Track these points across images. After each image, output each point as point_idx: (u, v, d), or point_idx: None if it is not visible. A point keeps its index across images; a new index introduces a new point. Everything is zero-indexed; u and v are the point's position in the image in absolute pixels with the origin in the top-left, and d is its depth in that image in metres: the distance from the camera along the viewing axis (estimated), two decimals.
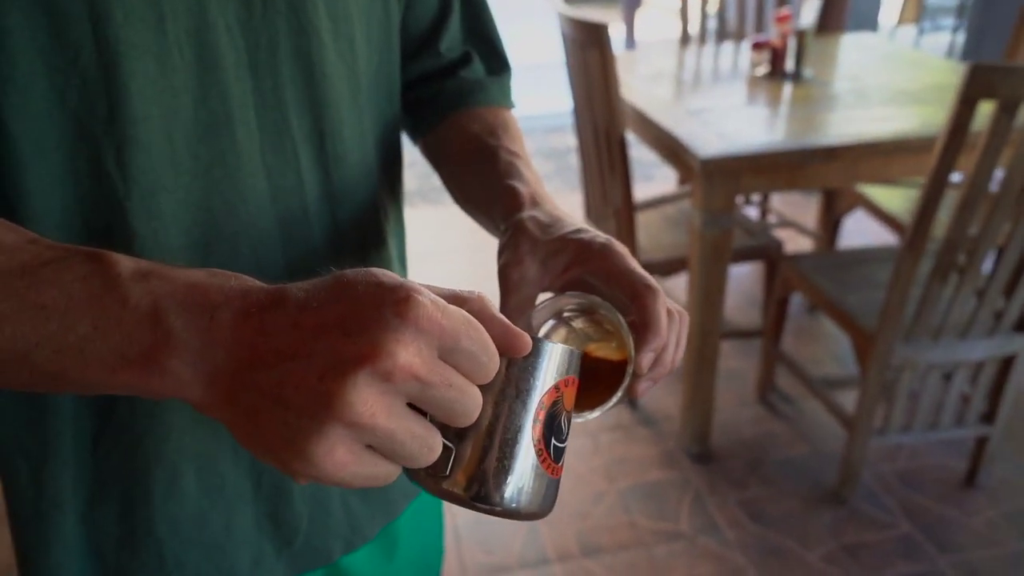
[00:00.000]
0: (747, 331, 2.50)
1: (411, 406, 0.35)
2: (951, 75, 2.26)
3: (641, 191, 3.00)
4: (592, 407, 0.48)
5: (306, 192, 0.57)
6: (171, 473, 0.56)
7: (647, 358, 0.48)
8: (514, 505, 0.39)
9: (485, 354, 0.36)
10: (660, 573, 1.81)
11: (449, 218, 3.75)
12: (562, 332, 0.54)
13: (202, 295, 0.36)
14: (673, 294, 2.49)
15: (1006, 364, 1.82)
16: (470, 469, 0.39)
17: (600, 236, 0.53)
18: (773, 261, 2.23)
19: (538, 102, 5.21)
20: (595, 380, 0.51)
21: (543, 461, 0.41)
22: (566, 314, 0.54)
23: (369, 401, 0.32)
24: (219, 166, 0.52)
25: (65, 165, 0.48)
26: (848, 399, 2.14)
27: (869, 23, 4.96)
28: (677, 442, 2.21)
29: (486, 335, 0.36)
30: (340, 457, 0.33)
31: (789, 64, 2.28)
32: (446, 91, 0.72)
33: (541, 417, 0.40)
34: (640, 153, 4.17)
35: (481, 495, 0.39)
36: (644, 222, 2.35)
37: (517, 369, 0.40)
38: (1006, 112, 1.37)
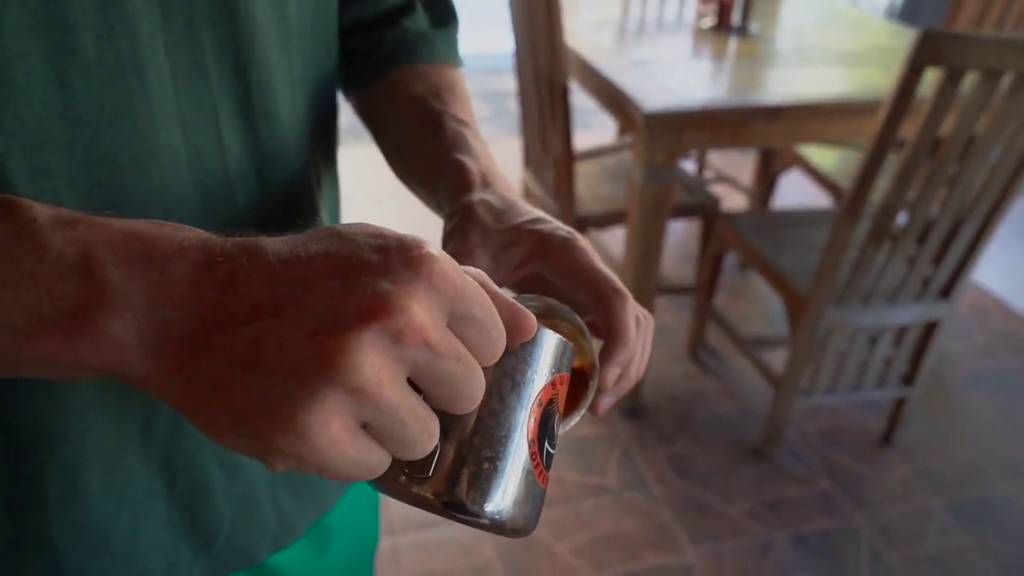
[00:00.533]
0: (681, 287, 2.50)
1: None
2: (893, 37, 2.26)
3: (580, 140, 2.95)
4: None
5: (227, 151, 0.49)
6: (69, 476, 0.48)
7: (612, 372, 0.44)
8: (502, 516, 0.34)
9: (496, 329, 0.31)
10: (586, 527, 1.82)
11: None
12: None
13: (147, 244, 0.29)
14: (609, 247, 2.46)
15: (929, 329, 1.86)
16: (456, 470, 0.33)
17: (561, 229, 0.48)
18: (710, 218, 2.22)
19: (478, 41, 5.06)
20: None
21: (536, 466, 0.35)
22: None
23: (377, 365, 0.27)
24: (127, 118, 0.43)
25: None
26: (777, 358, 2.17)
27: None
28: None
29: (494, 307, 0.31)
30: (336, 431, 0.27)
31: (736, 18, 2.24)
32: (386, 42, 0.64)
33: (537, 415, 0.35)
34: (579, 100, 4.10)
35: (466, 502, 0.33)
36: (583, 172, 2.30)
37: (515, 357, 0.35)
38: (951, 80, 1.36)
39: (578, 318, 0.45)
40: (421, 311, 0.28)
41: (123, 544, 0.52)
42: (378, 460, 0.29)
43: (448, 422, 0.33)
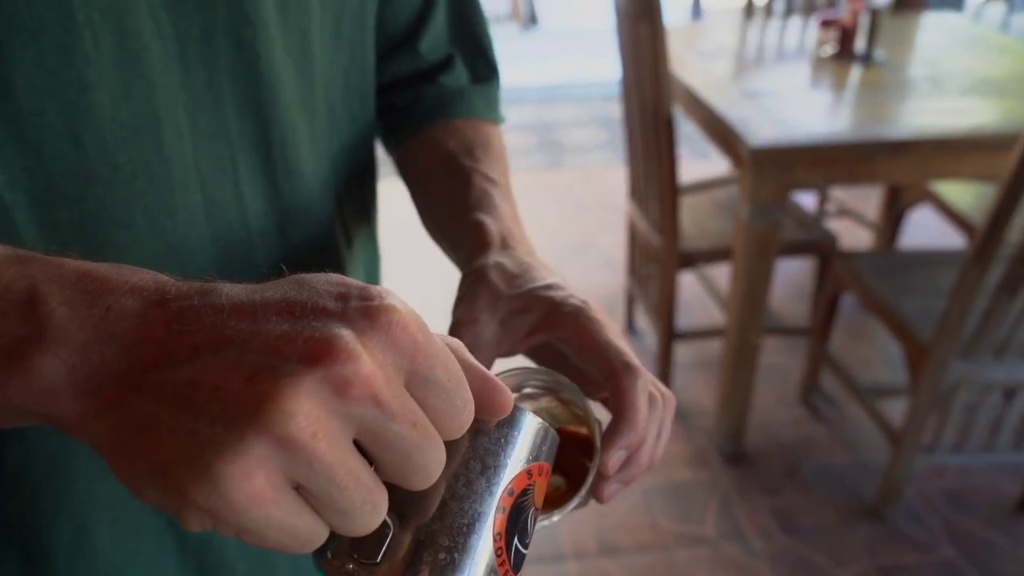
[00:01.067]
0: (794, 328, 2.37)
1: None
2: None
3: (694, 170, 2.87)
4: (548, 507, 0.40)
5: (247, 206, 0.49)
6: (78, 526, 0.48)
7: (615, 456, 0.40)
8: None
9: (461, 397, 0.28)
10: None
11: None
12: (537, 407, 0.45)
13: (98, 282, 0.28)
14: (716, 283, 2.37)
15: None
16: (408, 560, 0.29)
17: (573, 297, 0.44)
18: (826, 257, 2.09)
19: (592, 66, 5.05)
20: (559, 472, 0.42)
21: (502, 564, 0.31)
22: (528, 390, 0.45)
23: (314, 416, 0.24)
24: (141, 175, 0.43)
25: None
26: (897, 409, 2.01)
27: (953, 1, 4.65)
28: (709, 440, 2.11)
29: (462, 372, 0.29)
30: (258, 487, 0.24)
31: (859, 45, 2.11)
32: (423, 99, 0.63)
33: (507, 506, 0.31)
34: (696, 129, 4.00)
35: None
36: (690, 205, 2.23)
37: (487, 438, 0.31)
38: None
39: (586, 400, 0.41)
40: (372, 363, 0.25)
41: (108, 554, 0.50)
42: (309, 529, 0.26)
43: (406, 503, 0.30)
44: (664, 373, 2.23)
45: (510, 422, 0.32)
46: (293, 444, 0.24)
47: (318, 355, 0.25)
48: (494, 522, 0.31)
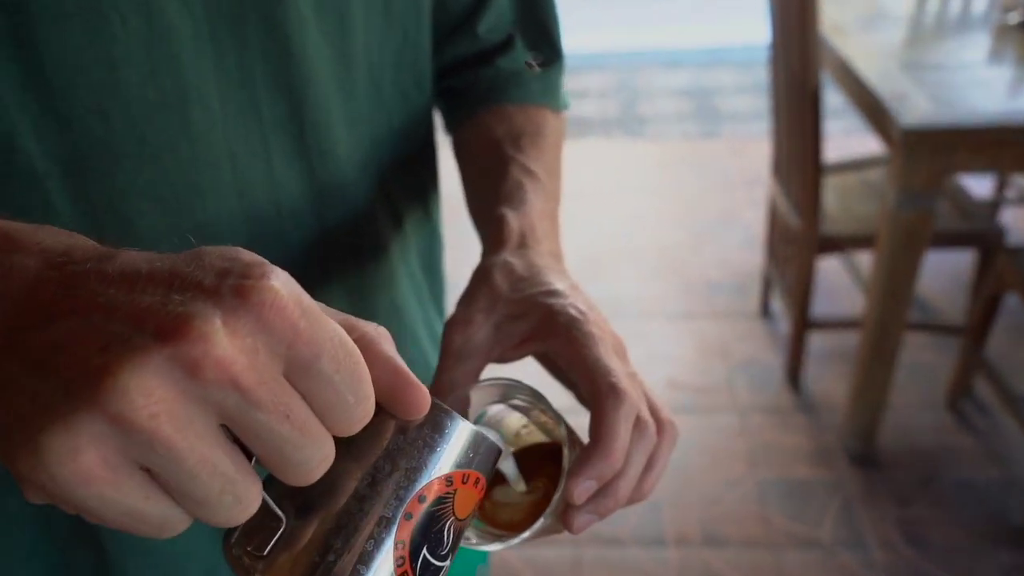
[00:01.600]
0: (948, 325, 2.16)
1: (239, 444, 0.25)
2: None
3: (849, 146, 2.65)
4: (509, 529, 0.37)
5: (279, 186, 0.48)
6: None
7: (581, 486, 0.36)
8: None
9: (353, 390, 0.26)
10: None
11: (642, 153, 3.56)
12: (513, 423, 0.43)
13: (10, 241, 0.28)
14: (863, 271, 2.19)
15: None
16: (294, 557, 0.28)
17: (573, 307, 0.41)
18: (990, 251, 1.88)
19: (764, 29, 4.78)
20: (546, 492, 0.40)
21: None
22: (516, 401, 0.42)
23: (154, 395, 0.23)
24: (169, 152, 0.44)
25: None
26: None
27: None
28: (837, 438, 1.98)
29: (362, 366, 0.26)
30: (87, 466, 0.22)
31: None
32: (480, 82, 0.61)
33: (415, 513, 0.29)
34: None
35: None
36: (839, 185, 2.06)
37: (402, 437, 0.29)
38: None
39: (562, 420, 0.38)
40: (231, 345, 0.23)
41: (163, 545, 0.53)
42: (160, 514, 0.24)
43: (306, 497, 0.28)
44: (794, 362, 2.10)
45: (432, 424, 0.30)
46: (127, 423, 0.22)
47: (171, 331, 0.23)
48: (398, 529, 0.29)
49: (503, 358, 0.43)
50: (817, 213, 1.84)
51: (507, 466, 0.41)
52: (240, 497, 0.25)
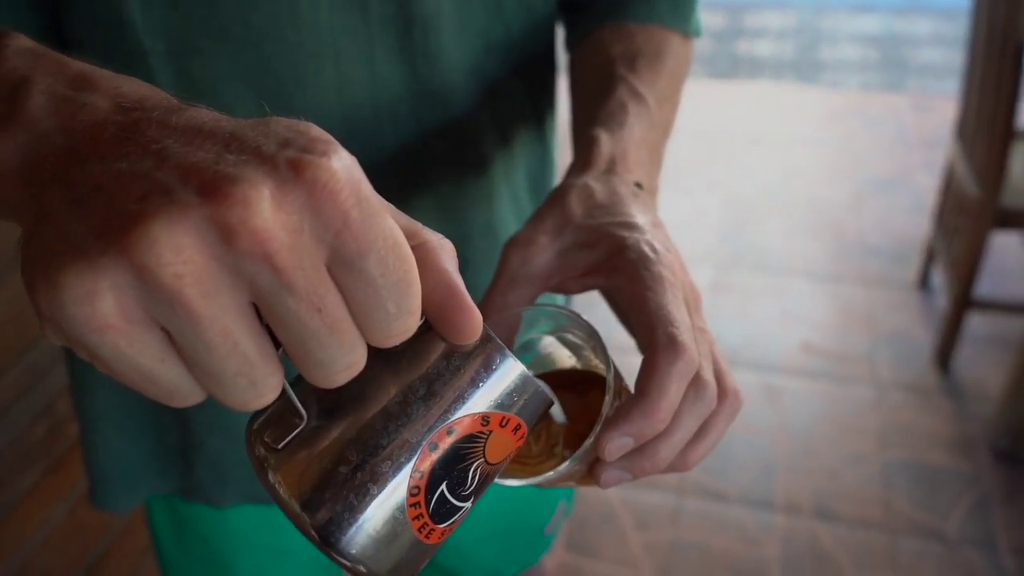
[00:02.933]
0: None
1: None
2: None
3: None
4: (536, 461, 0.34)
5: (378, 85, 0.47)
6: None
7: (615, 442, 0.33)
8: (341, 546, 0.27)
9: (396, 299, 0.24)
10: (897, 569, 1.55)
11: (813, 101, 3.33)
12: (563, 359, 0.39)
13: (88, 82, 0.27)
14: None
15: None
16: (310, 457, 0.27)
17: (646, 243, 0.37)
18: None
19: None
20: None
21: (414, 507, 0.28)
22: (569, 336, 0.39)
23: (183, 254, 0.21)
24: (273, 39, 0.43)
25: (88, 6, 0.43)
26: None
27: None
28: (983, 430, 1.82)
29: (412, 275, 0.24)
30: (103, 312, 0.21)
31: None
32: None
33: (442, 445, 0.27)
34: None
35: (307, 506, 0.27)
36: None
37: (445, 362, 0.28)
38: None
39: (612, 366, 0.35)
40: (274, 218, 0.22)
41: (240, 425, 0.55)
42: (172, 380, 0.23)
43: (333, 402, 0.27)
44: (948, 341, 1.94)
45: (481, 355, 0.28)
46: (151, 278, 0.21)
47: (213, 191, 0.22)
48: (418, 457, 0.27)
49: (562, 288, 0.40)
50: (1000, 182, 1.65)
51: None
52: (256, 382, 0.24)
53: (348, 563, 0.28)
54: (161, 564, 0.68)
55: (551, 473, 0.35)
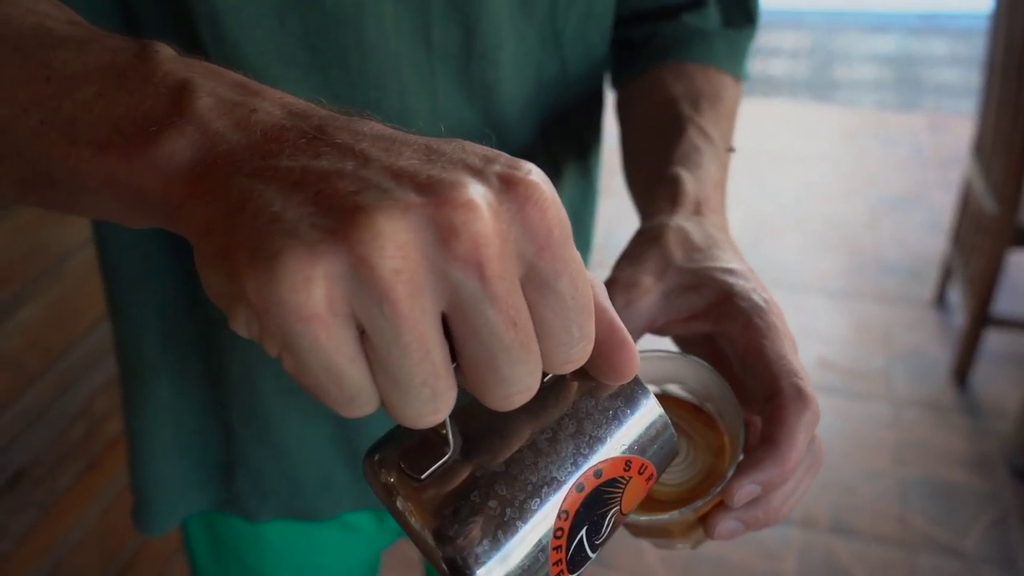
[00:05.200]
0: None
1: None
2: None
3: None
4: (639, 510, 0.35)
5: (439, 116, 0.48)
6: (247, 364, 0.54)
7: (745, 489, 0.34)
8: None
9: (580, 323, 0.24)
10: None
11: (828, 119, 3.35)
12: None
13: (253, 90, 0.27)
14: None
15: None
16: (455, 493, 0.25)
17: (756, 292, 0.38)
18: None
19: None
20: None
21: (556, 550, 0.26)
22: (672, 388, 0.39)
23: (404, 249, 0.21)
24: (338, 67, 0.44)
25: (163, 27, 0.44)
26: None
27: None
28: (1001, 447, 1.82)
29: (592, 302, 0.24)
30: (314, 299, 0.21)
31: None
32: (660, 35, 0.57)
33: (588, 486, 0.27)
34: None
35: (445, 539, 0.25)
36: None
37: (593, 401, 0.28)
38: None
39: (742, 419, 0.36)
40: (492, 225, 0.22)
41: (286, 441, 0.56)
42: (357, 383, 0.23)
43: (479, 434, 0.27)
44: (965, 359, 1.94)
45: (627, 396, 0.28)
46: (368, 270, 0.21)
47: (435, 191, 0.22)
48: (565, 496, 0.26)
49: (665, 330, 0.41)
50: (1018, 200, 1.66)
51: None
52: (437, 395, 0.23)
53: None
54: None
55: (666, 516, 0.35)
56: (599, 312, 0.25)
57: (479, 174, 0.23)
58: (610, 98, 0.62)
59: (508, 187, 0.23)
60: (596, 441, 0.27)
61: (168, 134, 0.25)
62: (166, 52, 0.28)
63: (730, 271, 0.39)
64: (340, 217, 0.21)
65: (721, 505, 0.35)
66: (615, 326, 0.26)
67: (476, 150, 0.24)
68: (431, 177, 0.22)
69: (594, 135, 0.60)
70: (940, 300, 2.22)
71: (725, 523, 0.35)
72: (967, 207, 1.98)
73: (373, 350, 0.22)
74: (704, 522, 0.36)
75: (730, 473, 0.35)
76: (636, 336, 0.40)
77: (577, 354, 0.24)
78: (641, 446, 0.28)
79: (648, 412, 0.28)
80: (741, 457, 0.36)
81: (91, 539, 1.09)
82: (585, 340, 0.24)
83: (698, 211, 0.44)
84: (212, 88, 0.26)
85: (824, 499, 1.72)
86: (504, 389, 0.23)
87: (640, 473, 0.28)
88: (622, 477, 0.28)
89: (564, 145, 0.57)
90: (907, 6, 4.41)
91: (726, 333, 0.38)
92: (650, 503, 0.37)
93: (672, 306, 0.40)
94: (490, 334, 0.22)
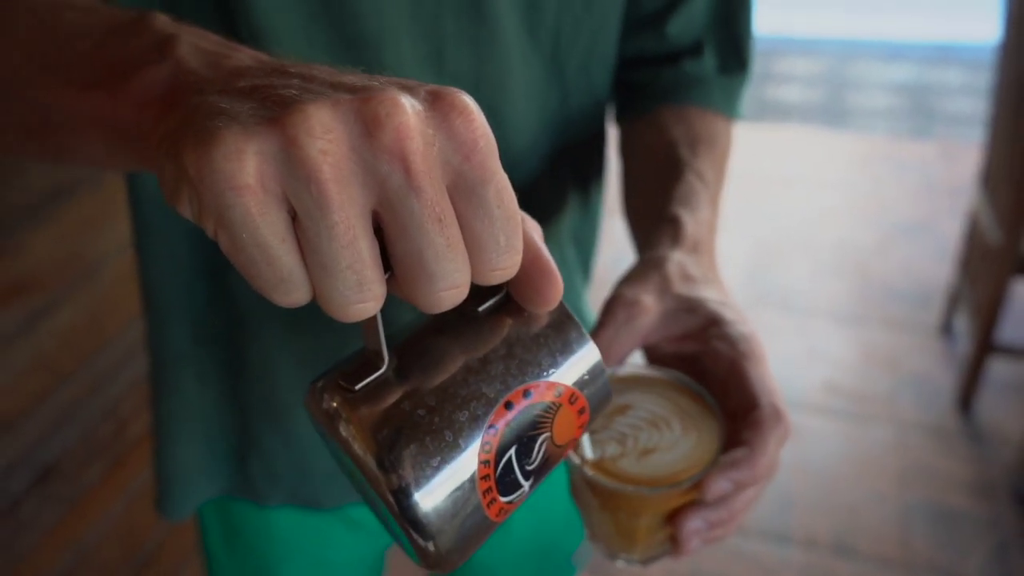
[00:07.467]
0: None
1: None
2: None
3: None
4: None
5: None
6: (266, 351, 0.57)
7: (719, 484, 0.38)
8: (413, 501, 0.26)
9: (506, 232, 0.25)
10: None
11: (840, 146, 3.38)
12: (629, 425, 0.44)
13: (230, 46, 0.30)
14: None
15: None
16: (390, 406, 0.26)
17: (744, 325, 0.43)
18: None
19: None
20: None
21: (483, 467, 0.27)
22: (683, 377, 0.44)
23: (331, 133, 0.23)
24: (360, 89, 0.48)
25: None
26: None
27: None
28: (1004, 474, 1.83)
29: (519, 217, 0.26)
30: (246, 171, 0.22)
31: None
32: (661, 80, 0.61)
33: (517, 405, 0.28)
34: None
35: (381, 447, 0.26)
36: None
37: (524, 329, 0.29)
38: None
39: (724, 426, 0.41)
40: (414, 119, 0.23)
41: (298, 430, 0.60)
42: (287, 265, 0.24)
43: (412, 351, 0.28)
44: (969, 385, 1.96)
45: (559, 329, 0.30)
46: (298, 150, 0.22)
47: (365, 92, 0.24)
48: (494, 412, 0.27)
49: (657, 347, 0.45)
50: (1023, 229, 1.69)
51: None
52: (363, 283, 0.24)
53: (414, 520, 0.26)
54: (209, 571, 0.71)
55: (631, 488, 0.38)
56: (526, 240, 0.27)
57: (410, 89, 0.25)
58: (612, 132, 0.65)
59: (435, 100, 0.24)
60: (525, 364, 0.28)
61: (148, 69, 0.29)
62: (160, 16, 0.32)
63: (723, 304, 0.44)
64: (278, 109, 0.23)
65: (691, 505, 0.39)
66: (540, 253, 0.28)
67: (413, 81, 0.26)
68: (366, 87, 0.24)
69: (597, 166, 0.64)
70: (946, 327, 2.24)
71: (693, 520, 0.40)
72: (974, 236, 2.01)
73: (303, 232, 0.23)
74: (673, 520, 0.39)
75: (702, 474, 0.39)
76: (632, 349, 0.44)
77: (504, 262, 0.25)
78: (571, 375, 0.30)
79: (580, 345, 0.30)
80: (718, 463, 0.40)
81: (115, 533, 1.13)
82: (512, 251, 0.25)
83: (695, 250, 0.48)
84: (194, 41, 0.30)
85: (827, 520, 1.74)
86: (432, 285, 0.24)
87: (571, 403, 0.30)
88: (553, 403, 0.29)
89: (568, 178, 0.60)
90: (921, 36, 4.44)
91: (714, 353, 0.43)
92: (624, 477, 0.40)
93: (668, 326, 0.44)
94: (416, 228, 0.24)
